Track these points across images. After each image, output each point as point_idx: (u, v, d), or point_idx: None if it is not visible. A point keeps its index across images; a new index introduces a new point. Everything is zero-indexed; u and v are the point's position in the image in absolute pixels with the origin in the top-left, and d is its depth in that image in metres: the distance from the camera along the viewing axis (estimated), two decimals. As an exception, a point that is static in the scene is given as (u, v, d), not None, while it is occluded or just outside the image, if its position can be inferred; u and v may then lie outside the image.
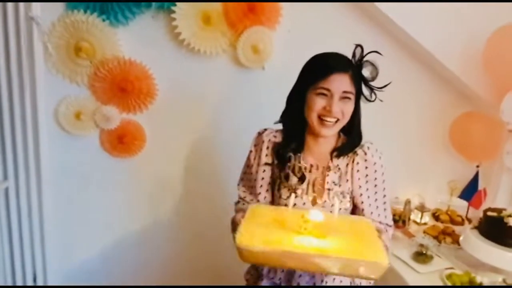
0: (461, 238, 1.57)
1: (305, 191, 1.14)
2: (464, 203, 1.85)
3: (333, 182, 1.15)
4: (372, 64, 1.10)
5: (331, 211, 1.05)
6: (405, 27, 1.72)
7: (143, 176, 1.86)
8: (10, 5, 1.55)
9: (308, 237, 0.92)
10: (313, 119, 1.09)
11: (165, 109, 1.78)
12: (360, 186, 1.15)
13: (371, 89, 1.12)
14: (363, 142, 1.18)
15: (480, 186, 1.89)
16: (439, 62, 1.80)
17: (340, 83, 1.06)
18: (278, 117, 1.20)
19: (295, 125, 1.15)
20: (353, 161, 1.15)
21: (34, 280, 1.84)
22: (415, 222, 1.89)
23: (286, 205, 1.13)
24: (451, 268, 1.52)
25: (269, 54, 1.74)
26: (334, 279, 1.20)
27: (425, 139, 2.00)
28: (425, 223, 1.87)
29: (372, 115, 1.88)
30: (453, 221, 1.79)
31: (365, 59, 1.10)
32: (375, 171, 1.15)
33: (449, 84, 1.92)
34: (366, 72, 1.10)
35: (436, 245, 1.68)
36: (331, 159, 1.16)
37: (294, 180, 1.13)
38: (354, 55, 1.11)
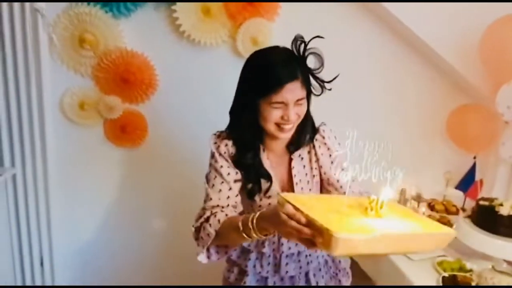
0: (453, 227, 1.60)
1: (278, 189, 1.14)
2: (460, 193, 1.88)
3: (300, 173, 1.16)
4: (317, 54, 1.05)
5: None
6: (403, 20, 1.74)
7: (146, 164, 1.91)
8: (16, -3, 1.60)
9: (379, 219, 0.87)
10: (270, 127, 1.06)
11: (166, 99, 1.82)
12: (325, 166, 1.17)
13: (320, 84, 1.08)
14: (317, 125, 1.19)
15: (477, 177, 1.92)
16: (437, 54, 1.82)
17: (293, 92, 1.01)
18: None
19: (248, 136, 1.10)
20: (313, 147, 1.17)
21: (41, 263, 1.91)
22: (411, 212, 1.92)
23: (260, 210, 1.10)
24: (444, 255, 1.56)
25: (268, 45, 1.75)
26: (320, 269, 1.23)
27: (423, 131, 2.03)
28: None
29: (371, 106, 1.93)
30: (448, 211, 1.82)
31: (309, 50, 1.03)
32: (329, 149, 1.18)
33: (446, 76, 1.94)
34: (311, 63, 1.05)
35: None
36: (290, 152, 1.16)
37: (265, 184, 1.12)
38: (297, 48, 1.04)
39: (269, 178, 1.12)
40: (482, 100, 1.89)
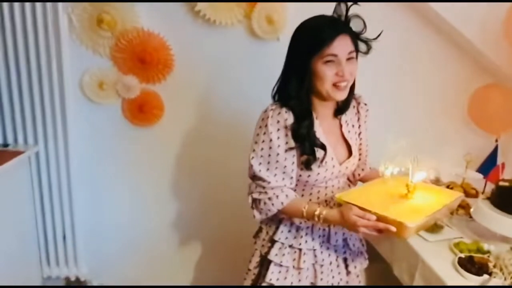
0: (472, 209, 1.56)
1: (331, 155, 1.19)
2: (480, 176, 1.83)
3: (349, 137, 1.25)
4: (358, 17, 1.10)
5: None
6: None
7: (162, 143, 1.94)
8: (36, -22, 1.64)
9: (415, 199, 1.11)
10: (327, 88, 1.09)
11: (182, 79, 1.84)
12: (361, 132, 1.30)
13: (366, 42, 1.13)
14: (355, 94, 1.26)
15: (499, 160, 1.86)
16: (458, 32, 1.75)
17: (344, 44, 1.06)
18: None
19: (302, 101, 1.12)
20: (358, 113, 1.28)
21: (64, 238, 1.98)
22: (429, 195, 1.88)
23: (316, 180, 1.18)
24: (461, 237, 1.52)
25: (284, 25, 1.75)
26: (355, 237, 1.31)
27: (444, 112, 1.98)
28: (439, 197, 1.87)
29: (389, 87, 1.89)
30: (467, 194, 1.77)
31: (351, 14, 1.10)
32: (366, 115, 1.30)
33: (468, 55, 1.88)
34: (354, 26, 1.10)
35: (448, 217, 1.68)
36: (338, 116, 1.24)
37: (320, 153, 1.15)
38: (336, 11, 1.10)
39: (323, 147, 1.15)
40: (505, 80, 1.82)
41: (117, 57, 1.79)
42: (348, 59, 1.08)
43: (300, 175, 1.17)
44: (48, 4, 1.67)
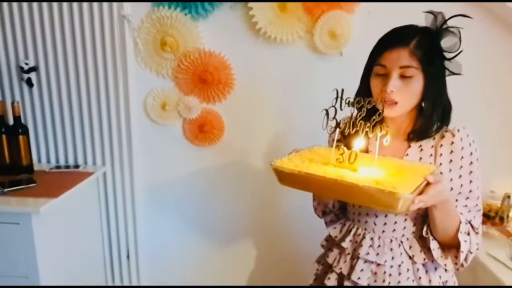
0: None
1: None
2: None
3: None
4: (451, 32, 0.95)
5: None
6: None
7: (223, 162, 1.92)
8: (105, 5, 1.70)
9: (340, 169, 0.91)
10: (377, 102, 0.99)
11: (242, 98, 1.81)
12: (441, 173, 1.00)
13: (441, 59, 0.97)
14: (454, 125, 1.04)
15: None
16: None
17: (397, 57, 0.94)
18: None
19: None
20: (441, 146, 1.02)
21: (128, 256, 2.03)
22: (516, 220, 1.68)
23: None
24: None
25: (347, 38, 1.67)
26: (399, 274, 1.05)
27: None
28: (528, 222, 1.66)
29: (469, 99, 1.72)
30: None
31: (446, 26, 0.96)
32: (462, 157, 0.99)
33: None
34: (445, 42, 0.95)
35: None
36: (409, 140, 1.06)
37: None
38: (430, 22, 0.97)
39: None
40: None
41: (179, 78, 1.81)
42: (404, 76, 0.95)
43: None
44: (116, 29, 1.74)
